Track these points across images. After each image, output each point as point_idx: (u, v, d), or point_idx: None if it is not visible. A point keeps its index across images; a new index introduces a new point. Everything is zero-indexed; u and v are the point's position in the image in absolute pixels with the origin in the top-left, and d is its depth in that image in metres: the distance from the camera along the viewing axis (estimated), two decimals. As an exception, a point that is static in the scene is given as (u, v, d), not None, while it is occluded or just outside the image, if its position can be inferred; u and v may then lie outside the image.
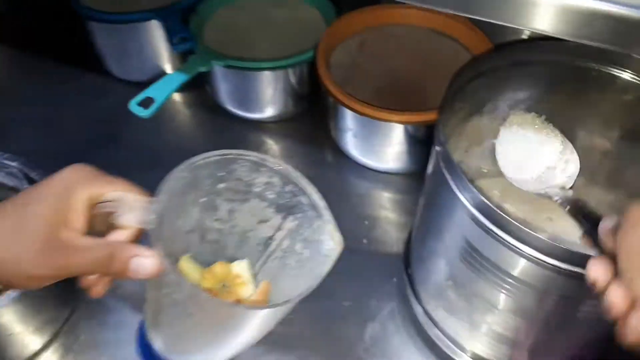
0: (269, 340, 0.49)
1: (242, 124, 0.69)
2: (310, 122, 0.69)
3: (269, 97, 0.66)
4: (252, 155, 0.36)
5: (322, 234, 0.36)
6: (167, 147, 0.68)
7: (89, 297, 0.50)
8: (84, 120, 0.70)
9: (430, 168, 0.44)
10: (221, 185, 0.38)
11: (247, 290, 0.40)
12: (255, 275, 0.41)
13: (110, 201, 0.33)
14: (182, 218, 0.39)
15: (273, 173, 0.37)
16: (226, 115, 0.69)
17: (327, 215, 0.36)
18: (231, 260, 0.41)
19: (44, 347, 0.50)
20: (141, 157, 0.66)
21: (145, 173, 0.62)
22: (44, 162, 0.51)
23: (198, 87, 0.70)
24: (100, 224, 0.33)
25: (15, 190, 0.49)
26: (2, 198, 0.50)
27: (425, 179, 0.46)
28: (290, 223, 0.38)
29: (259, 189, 0.38)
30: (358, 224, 0.59)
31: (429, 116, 0.55)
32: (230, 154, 0.36)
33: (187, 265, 0.40)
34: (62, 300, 0.51)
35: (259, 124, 0.69)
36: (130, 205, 0.33)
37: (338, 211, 0.59)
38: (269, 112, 0.68)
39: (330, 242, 0.35)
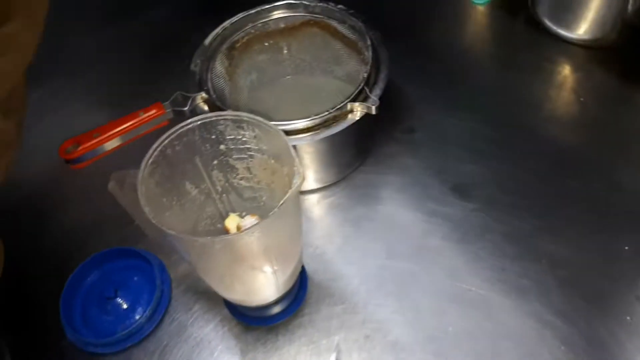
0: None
1: (554, 42, 0.66)
2: (628, 53, 0.63)
3: (595, 15, 0.61)
4: (228, 115, 0.38)
5: None
6: (473, 53, 0.68)
7: (378, 155, 0.58)
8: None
9: None
10: (222, 147, 0.40)
11: None
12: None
13: None
14: (202, 181, 0.41)
15: (253, 126, 0.38)
16: (535, 26, 0.67)
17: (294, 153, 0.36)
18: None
19: (326, 187, 0.57)
20: (449, 58, 0.67)
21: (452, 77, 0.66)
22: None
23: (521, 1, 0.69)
24: None
25: (353, 44, 0.54)
26: (338, 48, 0.57)
27: None
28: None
29: (252, 144, 0.40)
30: None
31: None
32: (208, 117, 0.38)
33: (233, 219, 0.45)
34: (357, 150, 0.57)
35: (570, 46, 0.65)
36: None
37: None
38: (587, 32, 0.63)
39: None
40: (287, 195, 0.33)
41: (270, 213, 0.33)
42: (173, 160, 0.38)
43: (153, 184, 0.36)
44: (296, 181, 0.34)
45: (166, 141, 0.37)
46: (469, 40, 0.70)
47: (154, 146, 0.36)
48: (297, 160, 0.34)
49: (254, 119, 0.37)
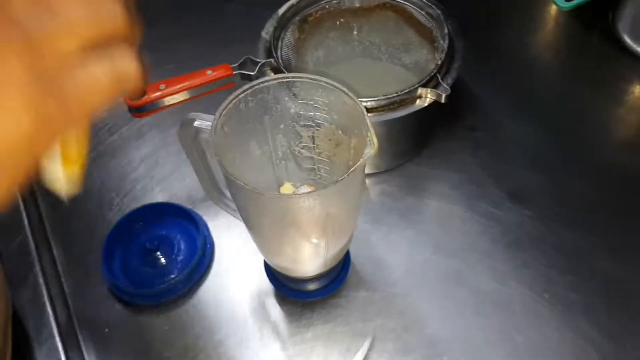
0: None
1: (630, 60, 0.63)
2: None
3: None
4: (306, 77, 0.37)
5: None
6: (544, 60, 0.67)
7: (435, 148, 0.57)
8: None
9: None
10: (292, 111, 0.40)
11: None
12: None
13: None
14: (266, 143, 0.41)
15: (328, 93, 0.38)
16: (612, 42, 0.64)
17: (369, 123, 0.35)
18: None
19: (377, 173, 0.56)
20: (518, 60, 0.66)
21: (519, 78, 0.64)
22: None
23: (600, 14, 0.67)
24: None
25: (428, 32, 0.53)
26: (410, 35, 0.55)
27: None
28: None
29: (323, 112, 0.39)
30: None
31: None
32: (286, 77, 0.38)
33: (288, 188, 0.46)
34: (415, 140, 0.56)
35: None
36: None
37: None
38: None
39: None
40: (359, 163, 0.33)
41: (340, 178, 0.32)
42: (244, 116, 0.37)
43: (223, 135, 0.36)
44: (368, 151, 0.33)
45: (241, 95, 0.36)
46: (541, 46, 0.68)
47: (230, 98, 0.36)
48: (372, 129, 0.33)
49: (331, 84, 0.36)
